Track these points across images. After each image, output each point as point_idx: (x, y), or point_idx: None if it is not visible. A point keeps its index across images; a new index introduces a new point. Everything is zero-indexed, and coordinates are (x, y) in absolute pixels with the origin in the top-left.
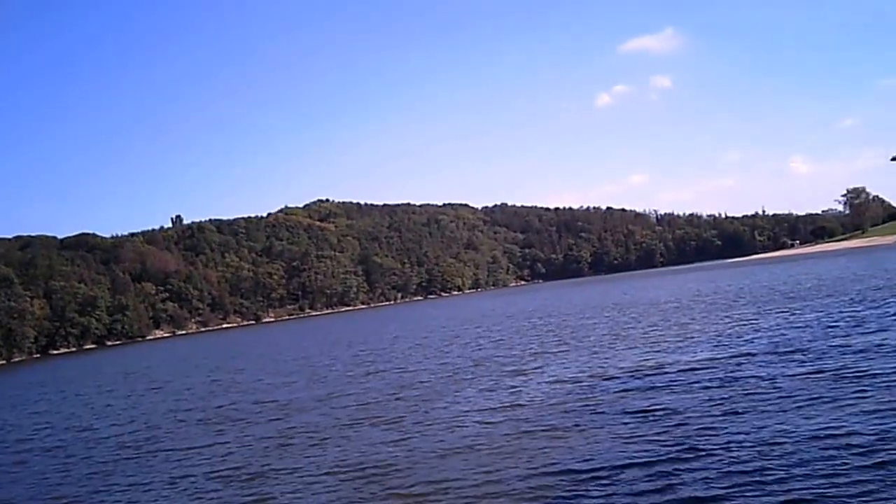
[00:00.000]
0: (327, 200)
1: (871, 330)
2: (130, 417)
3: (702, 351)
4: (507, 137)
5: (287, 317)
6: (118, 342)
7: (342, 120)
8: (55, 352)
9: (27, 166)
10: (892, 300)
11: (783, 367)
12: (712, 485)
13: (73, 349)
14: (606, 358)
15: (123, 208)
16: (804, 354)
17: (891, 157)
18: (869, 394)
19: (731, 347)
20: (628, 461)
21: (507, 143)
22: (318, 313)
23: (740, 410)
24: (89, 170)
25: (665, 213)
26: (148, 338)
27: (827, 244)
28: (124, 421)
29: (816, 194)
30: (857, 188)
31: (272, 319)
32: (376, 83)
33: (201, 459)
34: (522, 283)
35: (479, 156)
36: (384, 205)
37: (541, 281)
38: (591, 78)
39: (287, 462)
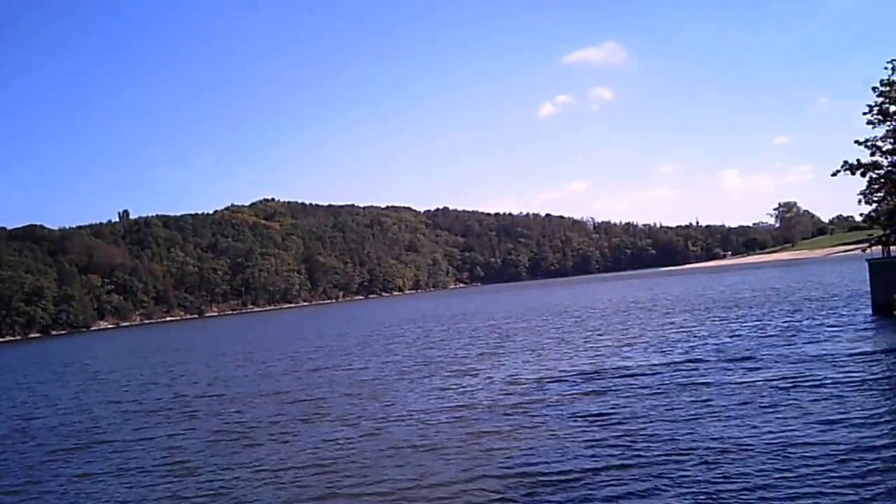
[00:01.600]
0: (273, 200)
1: (811, 340)
2: (73, 408)
3: (644, 356)
4: (452, 143)
5: (230, 312)
6: (63, 332)
7: (289, 121)
8: (0, 339)
9: None
10: (826, 311)
11: (727, 374)
12: (657, 492)
13: (18, 337)
14: (551, 361)
15: (71, 201)
16: (747, 362)
17: (831, 173)
18: (814, 402)
19: (672, 353)
20: (572, 467)
21: (451, 148)
22: (261, 309)
23: (685, 417)
24: (38, 162)
25: (602, 221)
26: (92, 328)
27: (758, 256)
28: (68, 411)
29: (748, 207)
30: (789, 202)
31: (215, 314)
32: (323, 87)
33: (144, 452)
34: (462, 285)
35: (423, 160)
36: (329, 205)
37: (480, 284)
38: (535, 87)
39: (225, 458)
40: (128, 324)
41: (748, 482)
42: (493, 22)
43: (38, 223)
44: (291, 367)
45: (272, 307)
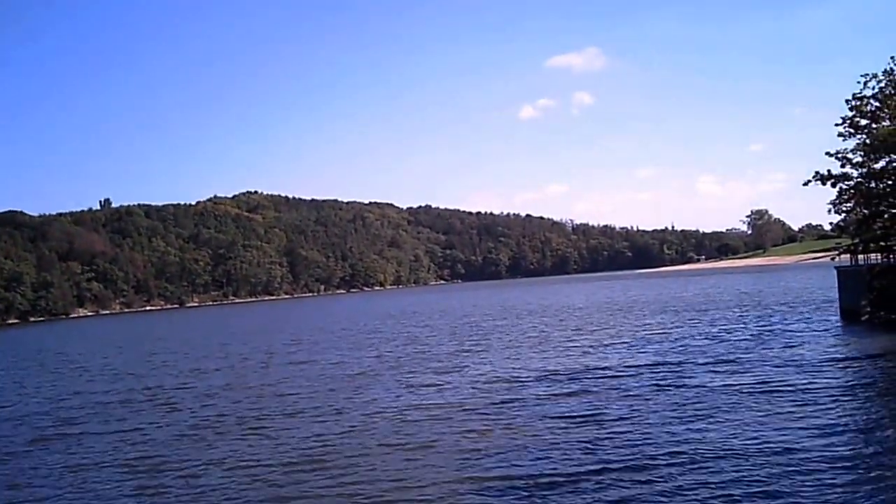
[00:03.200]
0: (256, 192)
1: (783, 344)
2: (43, 398)
3: (622, 357)
4: (435, 142)
5: (211, 302)
6: (41, 318)
7: (273, 114)
8: None
9: None
10: (796, 316)
11: (703, 377)
12: (637, 495)
13: None
14: (531, 359)
15: (52, 188)
16: (722, 365)
17: (803, 183)
18: (785, 406)
19: (649, 355)
20: (552, 469)
21: (434, 147)
22: (242, 301)
23: (662, 419)
24: (18, 148)
25: (580, 223)
26: (71, 316)
27: (730, 261)
28: (38, 401)
29: (722, 213)
30: (761, 210)
31: (196, 304)
32: (308, 81)
33: (112, 445)
34: (442, 282)
35: (406, 157)
36: (312, 199)
37: (460, 281)
38: (517, 90)
39: (196, 453)
40: (107, 312)
41: (726, 486)
42: (477, 24)
43: (18, 209)
44: (268, 360)
45: (253, 299)
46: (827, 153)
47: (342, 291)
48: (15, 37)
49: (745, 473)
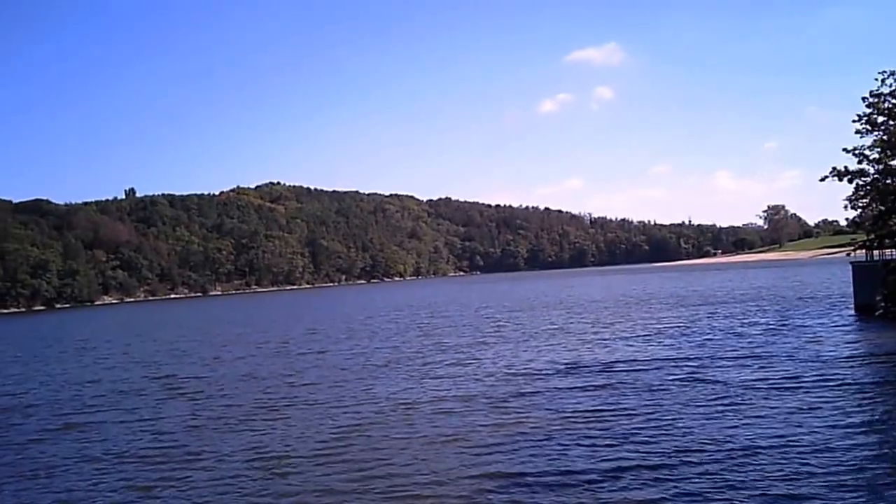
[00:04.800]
0: (278, 183)
1: (799, 338)
2: (62, 385)
3: (642, 350)
4: (454, 135)
5: (234, 291)
6: (67, 305)
7: (296, 107)
8: (5, 311)
9: None
10: (811, 311)
11: (718, 372)
12: (659, 494)
13: (23, 310)
14: (549, 352)
15: (78, 177)
16: (739, 360)
17: (819, 178)
18: (816, 403)
19: (667, 349)
20: (569, 468)
21: (453, 140)
22: (264, 290)
23: (687, 415)
24: (45, 138)
25: (598, 217)
26: (97, 303)
27: (747, 255)
28: (56, 388)
29: (739, 208)
30: (777, 206)
31: (219, 293)
32: (333, 75)
33: (130, 434)
34: (461, 273)
35: (426, 150)
36: (333, 191)
37: (479, 273)
38: (536, 85)
39: (211, 444)
40: (132, 300)
41: (752, 485)
42: (497, 18)
43: (45, 198)
44: (286, 350)
45: (275, 288)
46: (844, 149)
47: (363, 282)
48: (42, 29)
49: (770, 472)
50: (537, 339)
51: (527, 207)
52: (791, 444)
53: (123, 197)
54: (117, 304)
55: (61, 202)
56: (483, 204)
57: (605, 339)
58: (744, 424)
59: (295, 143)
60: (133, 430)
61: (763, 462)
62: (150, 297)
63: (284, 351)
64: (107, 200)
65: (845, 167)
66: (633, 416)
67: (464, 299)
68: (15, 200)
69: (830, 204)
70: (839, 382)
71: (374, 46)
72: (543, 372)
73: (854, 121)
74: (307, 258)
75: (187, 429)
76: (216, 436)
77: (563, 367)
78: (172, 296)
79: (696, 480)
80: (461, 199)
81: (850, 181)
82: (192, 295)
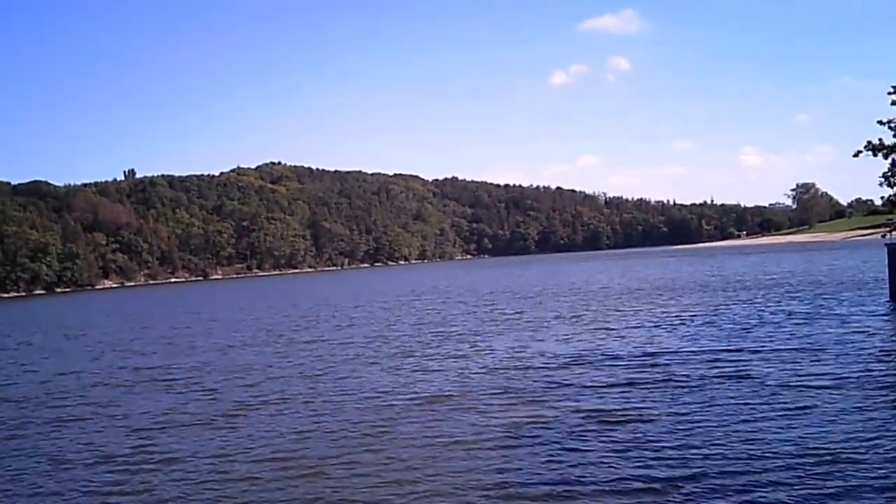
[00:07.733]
0: (279, 163)
1: (831, 328)
2: (46, 376)
3: (665, 341)
4: (460, 110)
5: (235, 275)
6: (67, 289)
7: (297, 83)
8: (5, 295)
9: None
10: (844, 297)
11: (753, 365)
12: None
13: (23, 294)
14: (561, 342)
15: (77, 159)
16: (774, 353)
17: (853, 154)
18: (856, 401)
19: (694, 339)
20: (585, 478)
21: (460, 116)
22: (266, 273)
23: (718, 416)
24: (43, 118)
25: (614, 197)
26: (97, 287)
27: (774, 237)
28: (41, 378)
29: (765, 187)
30: (807, 183)
31: (220, 277)
32: (333, 49)
33: (106, 432)
34: (469, 256)
35: (431, 127)
36: (335, 171)
37: (487, 256)
38: (547, 55)
39: (168, 445)
40: (132, 284)
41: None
42: None
43: (43, 179)
44: (286, 339)
45: (277, 272)
46: (879, 122)
47: (366, 265)
48: (39, 11)
49: (816, 482)
50: (549, 328)
51: (537, 187)
52: (852, 452)
53: (122, 178)
54: (118, 287)
55: (60, 183)
56: (491, 183)
57: (625, 329)
58: (787, 427)
59: (295, 121)
60: (107, 428)
61: (815, 473)
62: (151, 281)
63: (283, 341)
64: (106, 182)
65: (880, 140)
66: (663, 417)
67: (472, 284)
68: (13, 182)
69: (864, 181)
70: (881, 377)
71: (377, 18)
72: (559, 366)
73: (890, 92)
74: (309, 241)
75: (194, 425)
76: (205, 432)
77: (582, 359)
78: (173, 279)
79: (741, 496)
80: (468, 179)
81: (885, 156)
82: (193, 278)
